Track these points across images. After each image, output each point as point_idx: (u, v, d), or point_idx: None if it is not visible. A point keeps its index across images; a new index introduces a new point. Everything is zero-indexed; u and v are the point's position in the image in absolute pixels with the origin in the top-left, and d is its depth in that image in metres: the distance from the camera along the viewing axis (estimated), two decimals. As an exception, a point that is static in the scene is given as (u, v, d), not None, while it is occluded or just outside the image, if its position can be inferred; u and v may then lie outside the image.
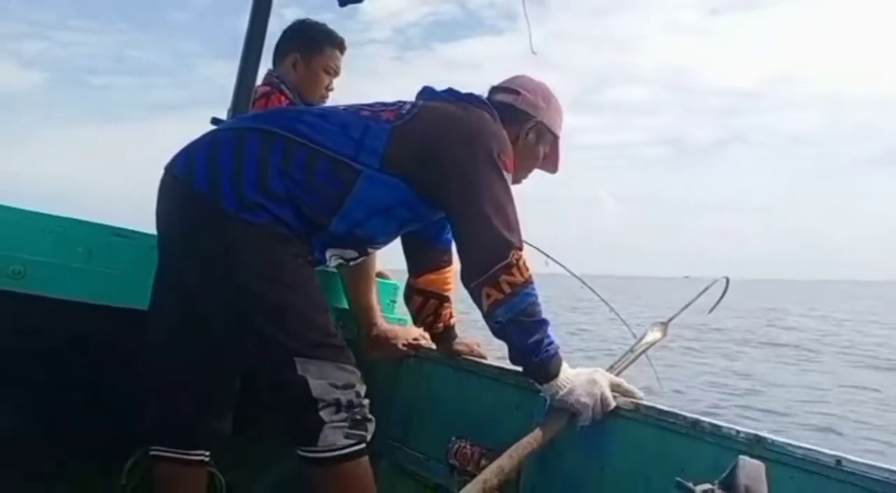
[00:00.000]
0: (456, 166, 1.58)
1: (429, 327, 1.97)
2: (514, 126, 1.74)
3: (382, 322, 2.03)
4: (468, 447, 1.72)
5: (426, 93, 1.75)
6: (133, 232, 1.87)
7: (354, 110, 1.66)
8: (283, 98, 2.33)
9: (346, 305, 2.05)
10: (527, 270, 1.53)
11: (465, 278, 1.57)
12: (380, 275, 2.21)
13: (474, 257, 1.56)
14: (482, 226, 1.55)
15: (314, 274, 1.59)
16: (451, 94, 1.73)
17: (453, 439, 1.75)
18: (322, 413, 1.46)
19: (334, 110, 1.67)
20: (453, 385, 1.95)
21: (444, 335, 1.97)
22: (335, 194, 1.55)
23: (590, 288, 2.18)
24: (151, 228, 1.84)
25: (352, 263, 1.74)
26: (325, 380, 1.47)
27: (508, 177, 1.62)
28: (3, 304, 1.70)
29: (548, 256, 2.00)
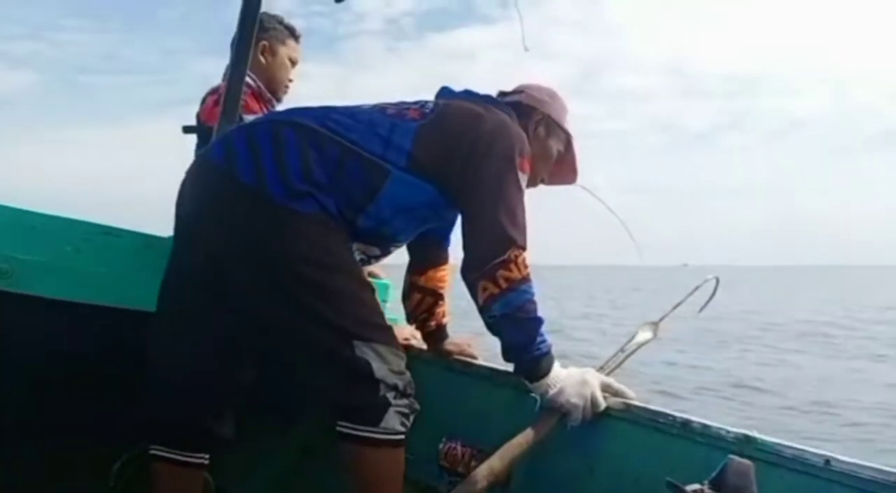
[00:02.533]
0: (473, 162, 1.59)
1: (421, 325, 1.97)
2: (523, 122, 1.76)
3: None
4: (459, 447, 1.72)
5: (445, 92, 1.78)
6: (121, 230, 1.86)
7: (380, 109, 1.68)
8: (244, 90, 2.35)
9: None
10: (525, 268, 1.54)
11: (464, 270, 1.58)
12: (371, 274, 2.21)
13: (475, 251, 1.57)
14: (487, 221, 1.56)
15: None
16: (469, 94, 1.76)
17: (444, 439, 1.75)
18: (388, 395, 1.47)
19: (360, 109, 1.68)
20: (444, 386, 1.94)
21: (436, 335, 1.97)
22: (364, 191, 1.56)
23: (616, 215, 2.10)
24: (142, 227, 1.83)
25: (373, 261, 1.74)
26: (385, 364, 1.48)
27: (524, 178, 1.63)
28: None
29: (594, 194, 1.95)
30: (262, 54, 2.45)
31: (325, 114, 1.63)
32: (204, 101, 2.43)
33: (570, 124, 1.85)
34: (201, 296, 1.60)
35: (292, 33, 2.53)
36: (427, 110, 1.67)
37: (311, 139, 1.56)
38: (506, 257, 1.51)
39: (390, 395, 1.48)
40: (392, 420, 1.47)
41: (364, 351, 1.47)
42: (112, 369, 1.90)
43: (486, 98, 1.76)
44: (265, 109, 2.43)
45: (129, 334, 1.66)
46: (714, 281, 1.84)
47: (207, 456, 1.70)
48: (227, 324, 1.61)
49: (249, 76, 2.40)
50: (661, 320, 1.79)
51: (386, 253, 1.74)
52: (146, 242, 1.85)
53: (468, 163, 1.59)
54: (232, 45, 2.14)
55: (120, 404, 1.64)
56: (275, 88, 2.50)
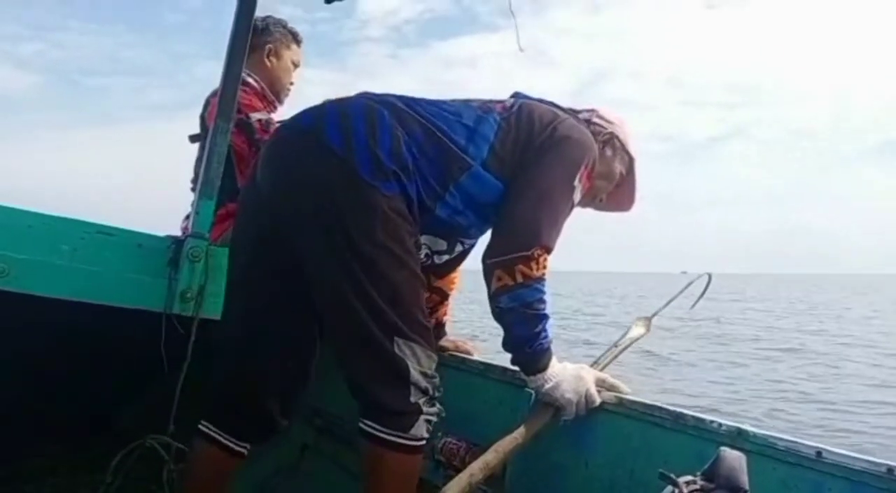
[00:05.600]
0: (539, 157, 1.59)
1: None
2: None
3: None
4: (454, 442, 1.73)
5: (520, 95, 1.78)
6: (117, 229, 1.87)
7: (464, 102, 1.69)
8: (248, 91, 2.37)
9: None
10: (544, 268, 1.53)
11: (486, 254, 1.56)
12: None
13: (502, 238, 1.56)
14: (526, 213, 1.55)
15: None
16: (543, 101, 1.76)
17: (439, 434, 1.76)
18: (420, 401, 1.46)
19: (446, 101, 1.68)
20: (440, 381, 1.96)
21: (434, 332, 1.98)
22: (442, 180, 1.55)
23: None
24: (142, 229, 1.83)
25: (436, 258, 1.72)
26: (420, 366, 1.47)
27: (579, 188, 1.62)
28: None
29: None
30: (268, 57, 2.51)
31: (413, 100, 1.63)
32: (207, 103, 2.45)
33: (635, 150, 1.85)
34: (269, 275, 1.59)
35: (295, 38, 2.59)
36: (509, 105, 1.68)
37: (401, 119, 1.55)
38: (530, 253, 1.51)
39: (422, 401, 1.47)
40: (420, 428, 1.47)
41: (403, 350, 1.45)
42: (109, 366, 1.91)
43: (563, 107, 1.77)
44: (268, 111, 2.46)
45: (125, 332, 1.67)
46: (706, 278, 1.86)
47: (248, 447, 1.69)
48: (295, 305, 1.59)
49: (253, 78, 2.43)
50: (654, 315, 1.80)
51: (451, 250, 1.71)
52: (141, 241, 1.86)
53: (538, 154, 1.59)
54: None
55: (116, 400, 1.65)
56: (278, 89, 2.54)
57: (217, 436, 1.65)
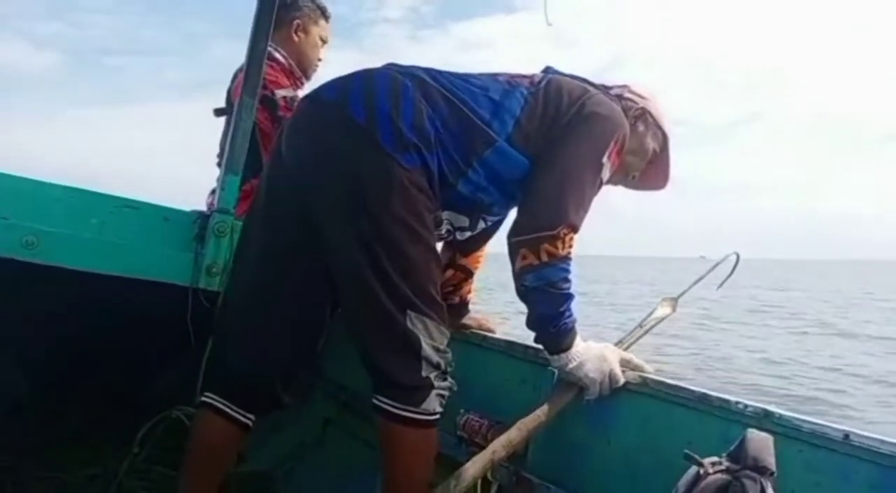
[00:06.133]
0: (567, 134, 1.58)
1: (444, 298, 1.99)
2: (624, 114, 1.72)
3: None
4: (477, 419, 1.73)
5: (551, 70, 1.75)
6: (145, 203, 1.89)
7: (492, 76, 1.67)
8: (275, 67, 2.36)
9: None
10: (570, 247, 1.52)
11: (512, 231, 1.55)
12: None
13: (528, 216, 1.54)
14: (553, 191, 1.54)
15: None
16: (575, 76, 1.74)
17: (462, 411, 1.76)
18: (431, 376, 1.47)
19: (474, 75, 1.66)
20: (462, 358, 1.95)
21: (457, 309, 1.98)
22: (465, 155, 1.54)
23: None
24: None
25: (458, 234, 1.71)
26: (432, 341, 1.47)
27: (608, 165, 1.60)
28: (16, 273, 1.72)
29: None
30: (296, 33, 2.49)
31: (440, 73, 1.61)
32: (234, 79, 2.44)
33: (669, 127, 1.82)
34: (285, 248, 1.59)
35: (323, 13, 2.56)
36: (537, 80, 1.66)
37: (425, 93, 1.54)
38: (556, 232, 1.49)
39: (433, 375, 1.47)
40: (433, 402, 1.48)
41: (415, 323, 1.46)
42: (135, 338, 1.94)
43: (594, 83, 1.74)
44: (295, 88, 2.45)
45: (151, 304, 1.69)
46: (734, 257, 1.84)
47: (254, 418, 1.68)
48: (306, 279, 1.59)
49: (280, 53, 2.41)
50: (681, 296, 1.78)
51: (473, 228, 1.70)
52: (168, 215, 1.88)
53: (566, 130, 1.57)
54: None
55: (143, 373, 1.67)
56: (305, 66, 2.52)
57: (223, 407, 1.65)
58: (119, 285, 1.82)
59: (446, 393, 1.51)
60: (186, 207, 2.07)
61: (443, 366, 1.50)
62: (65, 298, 1.97)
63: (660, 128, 1.80)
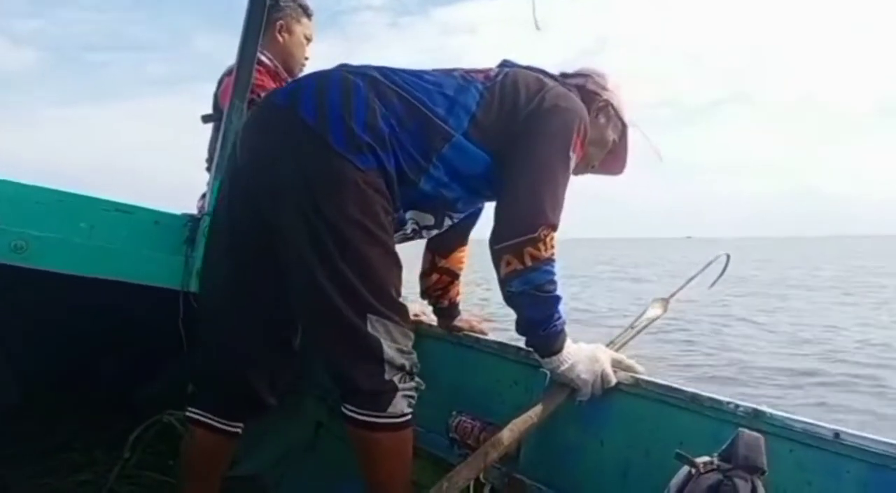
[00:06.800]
0: (531, 126, 1.57)
1: (435, 302, 1.99)
2: (586, 106, 1.71)
3: None
4: (468, 420, 1.73)
5: (508, 64, 1.75)
6: (134, 207, 1.88)
7: (446, 71, 1.66)
8: (261, 70, 2.36)
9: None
10: (552, 248, 1.52)
11: (493, 239, 1.55)
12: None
13: (507, 222, 1.54)
14: (527, 193, 1.54)
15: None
16: (532, 68, 1.73)
17: (454, 413, 1.76)
18: (395, 378, 1.47)
19: (427, 71, 1.66)
20: (454, 360, 1.96)
21: (448, 311, 1.98)
22: (423, 152, 1.53)
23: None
24: (145, 202, 1.84)
25: (425, 233, 1.71)
26: (394, 343, 1.47)
27: (574, 157, 1.60)
28: (5, 278, 1.71)
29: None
30: (280, 33, 2.49)
31: (393, 71, 1.60)
32: (220, 83, 2.44)
33: (629, 115, 1.82)
34: (247, 249, 1.58)
35: (305, 11, 2.55)
36: (493, 74, 1.65)
37: (378, 92, 1.53)
38: (536, 234, 1.50)
39: (397, 378, 1.47)
40: (399, 404, 1.48)
41: (376, 327, 1.46)
42: (126, 342, 1.93)
43: (551, 74, 1.74)
44: None
45: (142, 308, 1.68)
46: (725, 257, 1.85)
47: (242, 426, 1.69)
48: (275, 283, 1.57)
49: (266, 55, 2.41)
50: (672, 296, 1.79)
51: (440, 225, 1.69)
52: (159, 218, 1.87)
53: (527, 127, 1.57)
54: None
55: (134, 377, 1.66)
56: (292, 65, 2.52)
57: (208, 420, 1.65)
58: (109, 289, 1.81)
59: (413, 393, 1.51)
60: (175, 207, 2.06)
61: (407, 367, 1.49)
62: (55, 302, 1.96)
63: (620, 119, 1.80)
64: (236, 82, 2.02)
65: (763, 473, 1.11)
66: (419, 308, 2.06)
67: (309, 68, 2.57)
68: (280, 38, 2.49)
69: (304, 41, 2.55)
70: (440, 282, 1.95)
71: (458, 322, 1.99)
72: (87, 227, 1.80)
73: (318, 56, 2.56)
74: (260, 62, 2.36)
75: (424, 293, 1.99)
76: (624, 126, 1.82)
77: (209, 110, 2.47)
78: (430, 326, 2.05)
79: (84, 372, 2.37)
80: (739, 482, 1.10)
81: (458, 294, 1.99)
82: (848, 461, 1.17)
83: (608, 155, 1.84)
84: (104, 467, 2.21)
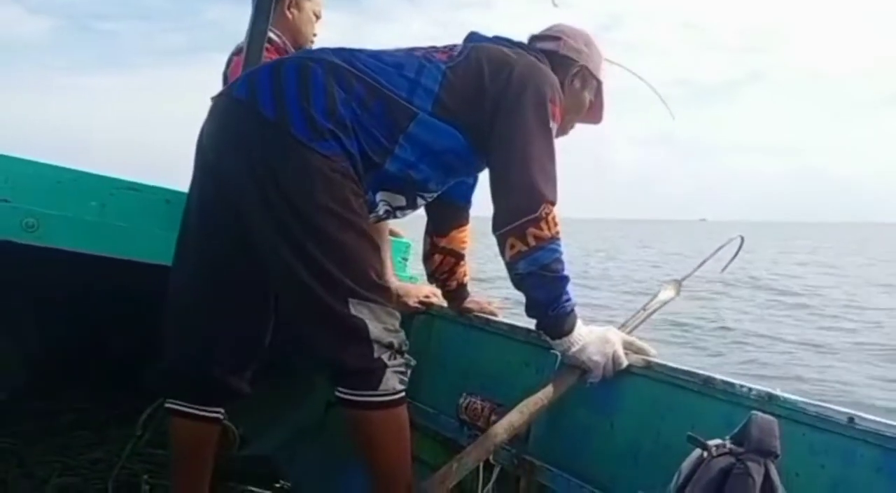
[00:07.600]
0: (504, 108, 1.55)
1: (442, 284, 1.97)
2: (560, 73, 1.70)
3: (394, 280, 2.03)
4: (478, 402, 1.73)
5: (474, 37, 1.72)
6: (145, 186, 1.87)
7: (407, 51, 1.64)
8: (269, 47, 2.34)
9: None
10: (556, 225, 1.51)
11: (494, 225, 1.54)
12: (392, 233, 2.22)
13: (505, 205, 1.54)
14: (518, 173, 1.53)
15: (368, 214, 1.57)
16: (499, 40, 1.71)
17: (464, 394, 1.76)
18: (384, 356, 1.46)
19: (387, 52, 1.64)
20: (464, 342, 1.96)
21: (457, 293, 1.97)
22: (389, 133, 1.52)
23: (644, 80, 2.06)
24: (158, 180, 1.83)
25: (399, 213, 1.70)
26: (380, 323, 1.46)
27: (554, 127, 1.59)
28: (16, 256, 1.71)
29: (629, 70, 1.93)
30: (289, 9, 2.46)
31: (352, 54, 1.59)
32: (230, 62, 2.42)
33: (604, 71, 1.80)
34: (218, 240, 1.57)
35: None
36: (455, 53, 1.62)
37: (337, 77, 1.52)
38: (537, 214, 1.49)
39: (385, 356, 1.46)
40: (391, 381, 1.47)
41: (359, 310, 1.45)
42: (136, 320, 1.93)
43: (518, 44, 1.71)
44: None
45: (153, 288, 1.68)
46: (738, 240, 1.83)
47: (222, 410, 1.70)
48: (245, 271, 1.57)
49: (274, 32, 2.39)
50: (685, 278, 1.78)
51: (413, 205, 1.68)
52: (169, 197, 1.87)
53: (498, 108, 1.55)
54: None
55: (144, 357, 1.66)
56: (301, 42, 2.49)
57: (186, 409, 1.65)
58: (120, 268, 1.81)
59: (404, 369, 1.50)
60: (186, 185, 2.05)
61: (395, 345, 1.49)
62: (65, 281, 1.96)
63: (595, 78, 1.78)
64: (247, 59, 2.01)
65: (776, 456, 1.11)
66: (429, 290, 2.06)
67: (323, 35, 2.55)
68: (289, 14, 2.46)
69: (314, 17, 2.52)
70: (445, 263, 1.94)
71: (468, 303, 1.98)
72: (98, 205, 1.79)
73: (328, 29, 2.54)
74: (268, 39, 2.35)
75: (431, 276, 1.99)
76: (599, 83, 1.80)
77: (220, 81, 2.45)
78: (441, 307, 2.04)
79: (94, 350, 2.38)
80: (752, 466, 1.09)
81: (465, 275, 1.97)
82: (862, 445, 1.16)
83: (586, 112, 1.83)
84: (117, 444, 2.23)
